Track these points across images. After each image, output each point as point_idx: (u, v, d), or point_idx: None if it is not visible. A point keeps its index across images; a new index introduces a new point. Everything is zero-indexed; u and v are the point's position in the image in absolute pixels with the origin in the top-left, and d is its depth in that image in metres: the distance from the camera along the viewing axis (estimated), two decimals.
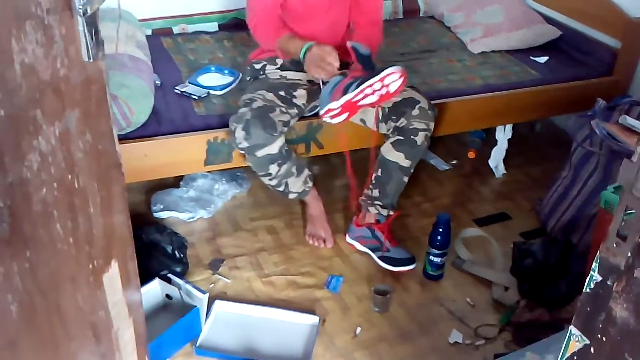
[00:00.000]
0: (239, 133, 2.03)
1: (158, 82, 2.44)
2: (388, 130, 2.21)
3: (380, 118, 2.20)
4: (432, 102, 2.28)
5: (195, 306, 1.92)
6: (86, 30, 0.88)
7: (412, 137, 2.14)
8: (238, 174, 2.69)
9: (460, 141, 3.03)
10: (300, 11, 2.20)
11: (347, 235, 2.38)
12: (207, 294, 1.96)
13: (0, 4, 0.77)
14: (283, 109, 2.11)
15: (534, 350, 1.62)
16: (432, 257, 2.19)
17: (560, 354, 0.97)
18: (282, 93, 2.16)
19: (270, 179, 2.15)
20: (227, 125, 2.21)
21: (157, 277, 2.02)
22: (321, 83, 2.10)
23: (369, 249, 2.31)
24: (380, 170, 2.22)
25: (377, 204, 2.27)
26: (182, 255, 2.18)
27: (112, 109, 1.02)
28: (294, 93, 2.19)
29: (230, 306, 2.05)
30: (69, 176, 0.95)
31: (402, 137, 2.15)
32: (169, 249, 2.15)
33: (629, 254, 0.81)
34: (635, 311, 0.82)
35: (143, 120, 2.16)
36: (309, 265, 2.28)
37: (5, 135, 0.82)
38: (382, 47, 2.41)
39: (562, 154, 2.49)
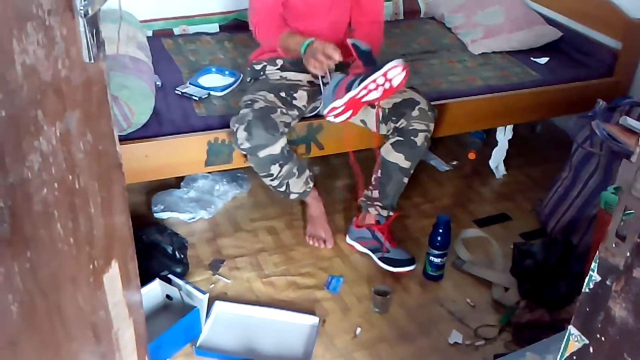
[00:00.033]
0: (241, 134, 2.03)
1: (159, 83, 2.44)
2: (388, 131, 2.21)
3: (380, 119, 2.20)
4: (433, 103, 2.28)
5: (196, 307, 1.92)
6: (87, 31, 0.88)
7: (412, 138, 2.14)
8: (238, 174, 2.69)
9: (461, 142, 3.04)
10: (301, 10, 2.21)
11: (347, 236, 2.38)
12: (208, 295, 1.96)
13: (1, 4, 0.77)
14: (284, 110, 2.11)
15: (533, 350, 1.62)
16: (432, 258, 2.19)
17: (560, 354, 0.97)
18: (282, 94, 2.17)
19: (271, 180, 2.16)
20: (227, 126, 2.22)
21: (157, 278, 2.02)
22: (321, 84, 2.10)
23: (369, 250, 2.31)
24: (380, 171, 2.23)
25: (377, 205, 2.27)
26: (182, 256, 2.18)
27: (113, 110, 1.03)
28: (294, 95, 2.19)
29: (230, 307, 2.05)
30: (70, 177, 0.95)
31: (402, 138, 2.15)
32: (170, 249, 2.16)
33: (628, 254, 0.81)
34: (634, 311, 0.82)
35: (144, 121, 2.16)
36: (309, 265, 2.29)
37: (7, 135, 0.82)
38: (383, 47, 2.41)
39: (562, 154, 2.49)
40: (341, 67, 2.09)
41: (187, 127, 2.23)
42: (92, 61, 0.91)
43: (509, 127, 2.73)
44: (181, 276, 2.10)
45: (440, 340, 2.00)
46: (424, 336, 2.01)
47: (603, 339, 0.88)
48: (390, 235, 2.29)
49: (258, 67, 2.33)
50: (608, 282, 0.86)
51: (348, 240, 2.37)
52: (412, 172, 2.23)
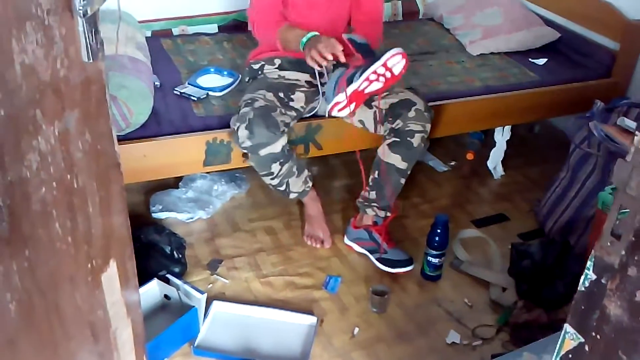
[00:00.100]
0: (242, 132, 2.03)
1: (157, 83, 2.45)
2: (384, 132, 2.21)
3: (378, 119, 2.21)
4: (431, 103, 2.29)
5: (194, 306, 1.92)
6: (86, 31, 0.89)
7: (408, 139, 2.14)
8: (237, 175, 2.69)
9: (459, 142, 3.04)
10: (301, 5, 2.21)
11: (345, 237, 2.38)
12: (206, 294, 1.96)
13: (1, 4, 0.77)
14: (282, 110, 2.11)
15: (531, 350, 1.63)
16: (430, 258, 2.19)
17: (555, 352, 0.98)
18: (280, 95, 2.17)
19: (272, 178, 2.16)
20: (226, 127, 2.23)
21: (155, 278, 2.02)
22: (319, 84, 2.11)
23: (366, 250, 2.32)
24: (376, 172, 2.23)
25: (374, 206, 2.27)
26: (180, 256, 2.19)
27: (111, 110, 1.03)
28: (292, 96, 2.19)
29: (228, 306, 2.06)
30: (68, 176, 0.96)
31: (398, 139, 2.15)
32: (168, 249, 2.16)
33: (623, 253, 0.82)
34: (628, 309, 0.83)
35: (142, 121, 2.17)
36: (307, 265, 2.29)
37: (5, 135, 0.83)
38: (382, 48, 2.41)
39: (560, 155, 2.50)
40: (341, 65, 2.09)
41: (186, 127, 2.24)
42: (91, 61, 0.92)
43: (507, 128, 2.74)
44: (179, 276, 2.11)
45: (438, 340, 2.01)
46: (422, 336, 2.02)
47: (598, 337, 0.89)
48: (388, 236, 2.29)
49: (256, 66, 2.33)
50: (603, 281, 0.86)
51: (346, 240, 2.38)
52: (409, 172, 2.23)
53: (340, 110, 2.05)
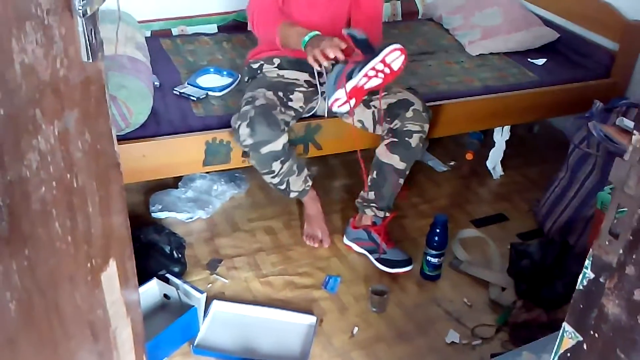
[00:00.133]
0: (244, 130, 2.02)
1: (157, 83, 2.45)
2: (383, 132, 2.21)
3: (376, 119, 2.21)
4: (430, 103, 2.29)
5: (193, 306, 1.92)
6: (86, 31, 0.89)
7: (406, 139, 2.14)
8: (236, 174, 2.70)
9: (459, 142, 3.04)
10: (301, 4, 2.21)
11: (344, 237, 2.39)
12: (205, 294, 1.96)
13: (1, 4, 0.77)
14: (282, 110, 2.12)
15: (530, 349, 1.63)
16: (429, 258, 2.20)
17: (554, 351, 0.98)
18: (280, 94, 2.17)
19: (272, 177, 2.16)
20: (225, 126, 2.23)
21: (155, 277, 2.02)
22: (318, 83, 2.11)
23: (366, 250, 2.32)
24: (375, 172, 2.23)
25: (373, 206, 2.28)
26: (180, 256, 2.19)
27: (111, 110, 1.03)
28: (291, 96, 2.19)
29: (228, 306, 2.06)
30: (68, 175, 0.96)
31: (396, 140, 2.15)
32: (167, 249, 2.16)
33: (621, 252, 0.82)
34: (627, 308, 0.83)
35: (142, 121, 2.17)
36: (307, 265, 2.29)
37: (5, 134, 0.83)
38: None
39: (559, 155, 2.50)
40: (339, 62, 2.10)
41: (185, 127, 2.24)
42: (91, 61, 0.92)
43: (507, 128, 2.74)
44: (179, 275, 2.11)
45: (438, 339, 2.01)
46: (421, 336, 2.02)
47: (597, 335, 0.89)
48: (387, 236, 2.29)
49: (255, 65, 2.33)
50: (601, 280, 0.87)
51: (345, 240, 2.38)
52: (407, 172, 2.23)
53: (340, 106, 2.05)
